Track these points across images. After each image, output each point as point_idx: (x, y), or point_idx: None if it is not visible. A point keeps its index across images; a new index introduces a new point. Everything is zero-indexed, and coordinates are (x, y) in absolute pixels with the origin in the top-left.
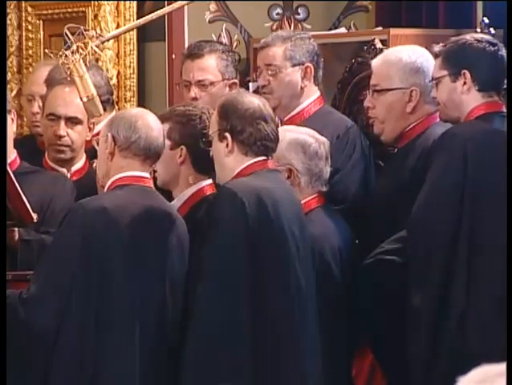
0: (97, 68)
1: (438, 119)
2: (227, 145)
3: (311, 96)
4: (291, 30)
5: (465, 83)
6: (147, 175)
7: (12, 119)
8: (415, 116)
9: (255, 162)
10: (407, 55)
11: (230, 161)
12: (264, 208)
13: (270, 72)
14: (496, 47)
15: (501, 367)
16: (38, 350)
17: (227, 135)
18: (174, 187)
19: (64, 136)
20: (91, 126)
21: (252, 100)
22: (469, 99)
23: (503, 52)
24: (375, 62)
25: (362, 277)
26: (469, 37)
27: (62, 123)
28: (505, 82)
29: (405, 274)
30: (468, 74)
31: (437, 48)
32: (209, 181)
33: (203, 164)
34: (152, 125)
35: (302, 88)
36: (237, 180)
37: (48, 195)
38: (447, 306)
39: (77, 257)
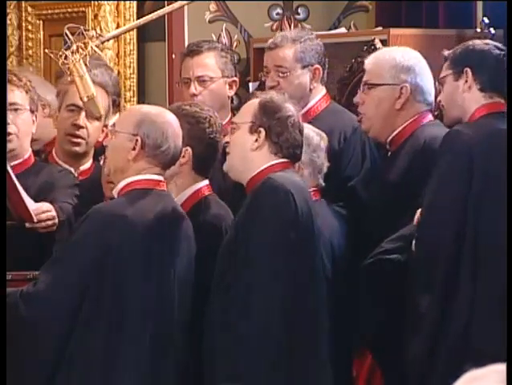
0: (106, 68)
1: (429, 119)
2: (257, 140)
3: (317, 95)
4: (298, 30)
5: (466, 81)
6: (163, 178)
7: (33, 121)
8: (404, 114)
9: (283, 162)
10: (400, 55)
11: (256, 156)
12: (304, 201)
13: (280, 74)
14: (502, 52)
15: (495, 367)
16: (44, 347)
17: (262, 130)
18: (168, 183)
19: (83, 127)
20: (104, 128)
21: (291, 108)
22: (470, 97)
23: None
24: (369, 60)
25: (362, 277)
26: (479, 41)
27: (83, 114)
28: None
29: (405, 274)
30: (469, 72)
31: (447, 52)
32: (206, 182)
33: (203, 166)
34: (178, 132)
35: (310, 90)
36: (278, 174)
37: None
38: (449, 314)
39: (91, 260)
